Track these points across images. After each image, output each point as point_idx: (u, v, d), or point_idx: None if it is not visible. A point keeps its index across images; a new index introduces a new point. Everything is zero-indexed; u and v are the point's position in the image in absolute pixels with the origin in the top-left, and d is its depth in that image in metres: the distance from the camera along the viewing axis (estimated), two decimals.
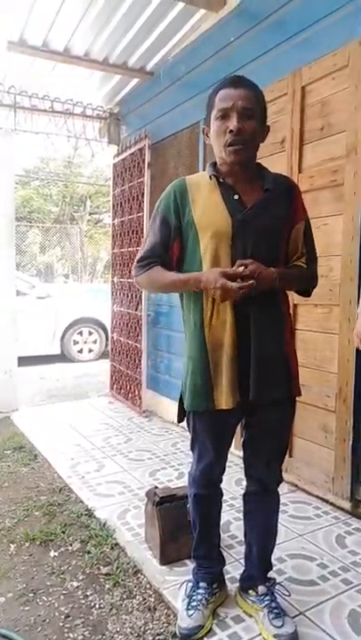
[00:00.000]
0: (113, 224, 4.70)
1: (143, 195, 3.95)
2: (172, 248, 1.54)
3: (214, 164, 1.54)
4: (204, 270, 1.46)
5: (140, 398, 4.07)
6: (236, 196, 1.47)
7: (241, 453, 1.66)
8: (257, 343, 1.45)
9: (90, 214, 15.16)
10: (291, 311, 1.65)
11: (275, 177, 1.54)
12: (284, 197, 1.52)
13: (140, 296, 4.07)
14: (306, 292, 1.65)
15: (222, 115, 1.43)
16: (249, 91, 1.44)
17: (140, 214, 3.99)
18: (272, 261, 1.46)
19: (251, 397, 1.45)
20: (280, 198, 1.50)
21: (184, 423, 1.63)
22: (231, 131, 1.41)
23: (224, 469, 1.66)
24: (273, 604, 1.59)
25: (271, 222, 1.47)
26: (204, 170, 1.91)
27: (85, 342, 6.80)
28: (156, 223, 1.56)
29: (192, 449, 1.64)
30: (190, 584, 1.71)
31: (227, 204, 1.47)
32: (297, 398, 1.61)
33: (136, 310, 4.16)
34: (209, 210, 1.48)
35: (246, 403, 1.47)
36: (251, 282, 1.37)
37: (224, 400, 1.46)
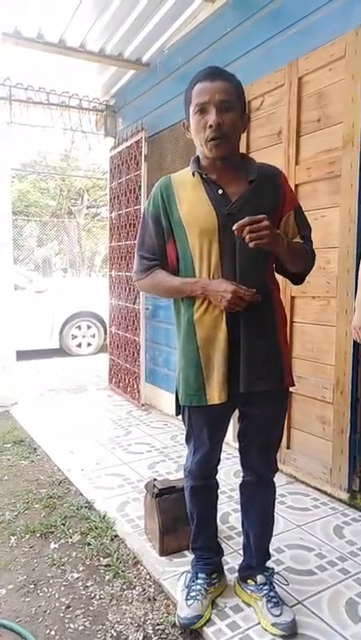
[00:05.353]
0: (110, 217, 4.68)
1: (140, 187, 3.94)
2: (168, 249, 1.53)
3: (197, 160, 1.52)
4: (196, 269, 1.47)
5: (138, 392, 4.08)
6: (220, 191, 1.46)
7: (237, 445, 1.67)
8: (247, 337, 1.45)
9: (87, 208, 15.09)
10: (283, 302, 1.62)
11: (259, 167, 1.51)
12: (270, 188, 1.49)
13: (138, 289, 4.07)
14: (303, 274, 1.60)
15: (200, 109, 1.41)
16: (226, 82, 1.41)
17: (138, 207, 3.98)
18: (262, 254, 1.43)
19: (241, 390, 1.46)
20: (266, 189, 1.48)
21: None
22: (211, 125, 1.39)
23: (219, 460, 1.67)
24: (271, 594, 1.61)
25: (259, 214, 1.43)
26: None
27: (84, 336, 6.79)
28: (148, 225, 1.55)
29: (187, 442, 1.65)
30: (189, 575, 1.73)
31: (211, 199, 1.45)
32: (294, 390, 1.62)
33: (134, 304, 4.16)
34: (194, 207, 1.47)
35: (239, 394, 1.48)
36: (256, 294, 1.38)
37: (217, 395, 1.47)
